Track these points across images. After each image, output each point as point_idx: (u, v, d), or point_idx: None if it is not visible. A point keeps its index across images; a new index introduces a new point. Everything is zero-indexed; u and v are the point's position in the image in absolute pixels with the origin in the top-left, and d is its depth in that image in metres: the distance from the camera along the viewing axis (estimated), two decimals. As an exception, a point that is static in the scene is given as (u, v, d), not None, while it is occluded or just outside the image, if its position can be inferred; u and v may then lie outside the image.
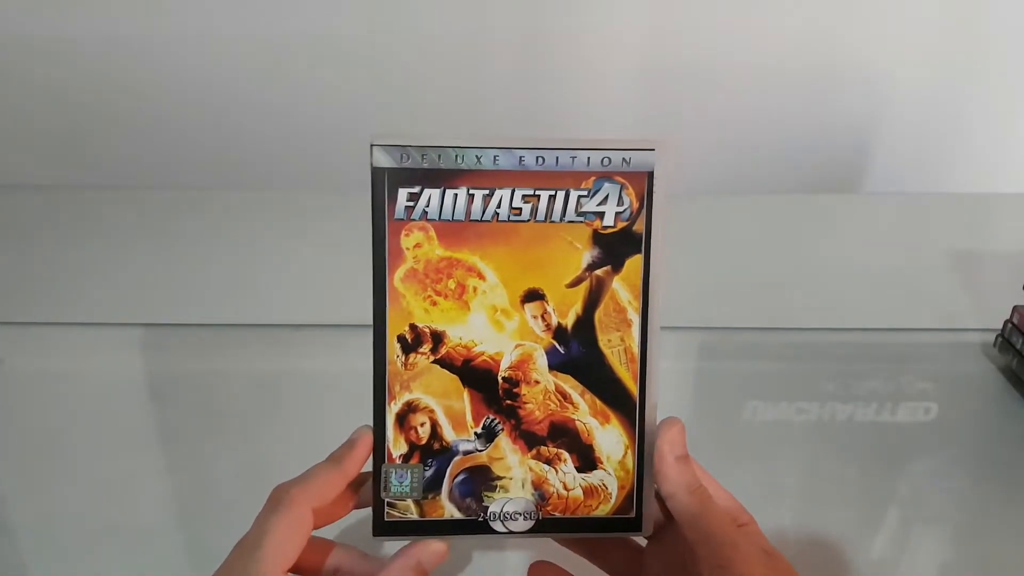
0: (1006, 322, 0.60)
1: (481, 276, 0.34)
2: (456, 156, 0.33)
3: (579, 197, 0.33)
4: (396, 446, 0.34)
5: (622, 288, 0.34)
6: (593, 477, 0.34)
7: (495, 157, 0.33)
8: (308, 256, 0.76)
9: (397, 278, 0.34)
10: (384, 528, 0.34)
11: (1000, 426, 0.57)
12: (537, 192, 0.33)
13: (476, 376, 0.34)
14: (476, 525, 0.34)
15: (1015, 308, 0.60)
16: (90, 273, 0.72)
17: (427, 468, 0.34)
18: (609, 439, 0.34)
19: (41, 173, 0.97)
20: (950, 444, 0.55)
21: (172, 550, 0.47)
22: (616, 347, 0.34)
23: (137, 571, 0.46)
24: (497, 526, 0.34)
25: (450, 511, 0.34)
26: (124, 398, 0.58)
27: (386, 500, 0.34)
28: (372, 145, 0.33)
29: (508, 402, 0.34)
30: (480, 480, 0.34)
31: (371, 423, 0.34)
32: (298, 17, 0.86)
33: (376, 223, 0.33)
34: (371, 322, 0.34)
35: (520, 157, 0.33)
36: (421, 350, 0.34)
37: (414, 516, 0.34)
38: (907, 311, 0.68)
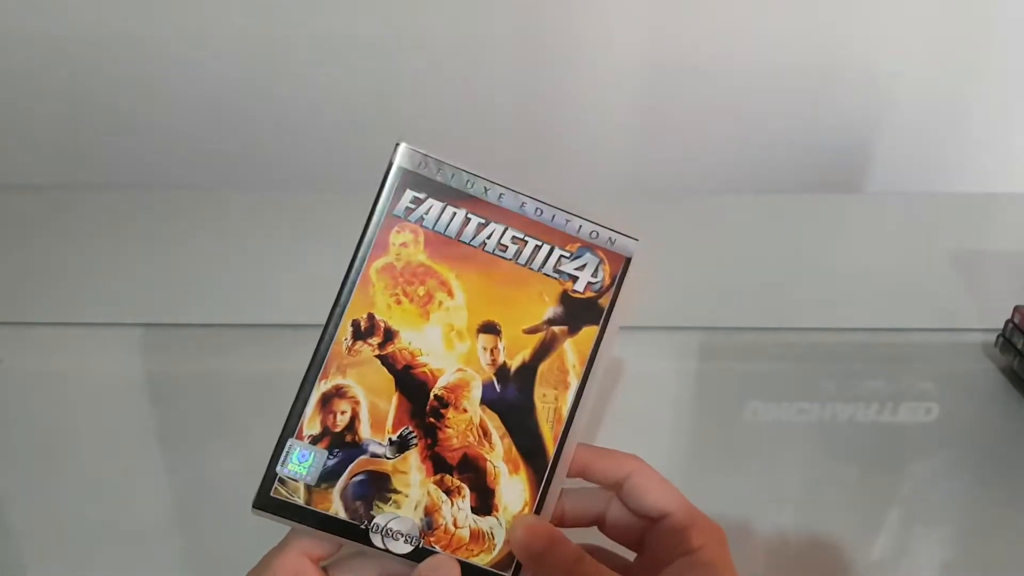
0: (1007, 322, 0.60)
1: (450, 293, 0.35)
2: (468, 181, 0.35)
3: (561, 256, 0.35)
4: (310, 425, 0.34)
5: (571, 351, 0.35)
6: (484, 522, 0.34)
7: (500, 195, 0.35)
8: (309, 256, 0.75)
9: (374, 267, 0.35)
10: (266, 503, 0.33)
11: (1001, 426, 0.56)
12: (527, 238, 0.35)
13: (411, 384, 0.34)
14: (355, 532, 0.33)
15: (1016, 308, 0.60)
16: (90, 273, 0.72)
17: (331, 457, 0.33)
18: (512, 490, 0.34)
19: (41, 173, 0.97)
20: (951, 444, 0.55)
21: (172, 550, 0.47)
22: (548, 404, 0.35)
23: (137, 571, 0.46)
24: (376, 540, 0.33)
25: (336, 508, 0.33)
26: (124, 398, 0.58)
27: (279, 475, 0.33)
28: (398, 144, 0.35)
29: (431, 420, 0.34)
30: (377, 487, 0.33)
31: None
32: (298, 16, 0.86)
33: (374, 211, 0.35)
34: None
35: (522, 203, 0.35)
36: (370, 341, 0.34)
37: (300, 501, 0.33)
38: (908, 311, 0.68)
